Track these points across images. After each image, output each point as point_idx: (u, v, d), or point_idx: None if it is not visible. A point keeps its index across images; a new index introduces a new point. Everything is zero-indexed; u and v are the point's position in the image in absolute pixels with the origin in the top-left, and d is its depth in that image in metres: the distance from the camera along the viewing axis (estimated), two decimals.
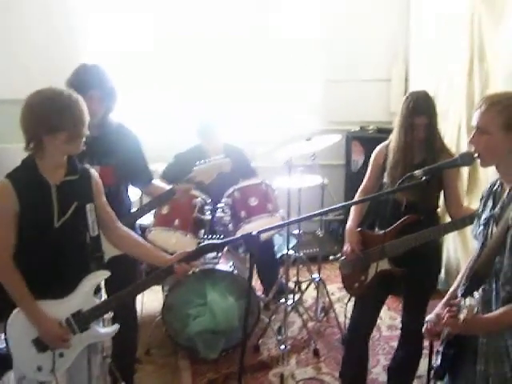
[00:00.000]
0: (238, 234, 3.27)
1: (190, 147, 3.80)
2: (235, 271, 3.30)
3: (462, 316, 1.73)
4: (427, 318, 1.96)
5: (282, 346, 3.37)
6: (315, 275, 3.87)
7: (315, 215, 1.97)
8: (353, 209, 2.83)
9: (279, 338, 3.49)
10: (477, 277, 1.82)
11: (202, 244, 2.10)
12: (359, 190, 2.84)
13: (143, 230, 3.29)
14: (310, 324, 3.76)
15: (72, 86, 2.23)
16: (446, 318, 1.76)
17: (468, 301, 1.78)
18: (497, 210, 1.82)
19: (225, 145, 3.76)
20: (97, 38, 4.68)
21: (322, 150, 3.59)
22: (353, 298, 2.86)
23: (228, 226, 3.37)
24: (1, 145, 4.27)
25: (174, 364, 3.36)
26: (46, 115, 1.94)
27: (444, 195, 2.67)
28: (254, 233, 1.78)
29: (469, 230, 2.20)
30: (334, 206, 2.07)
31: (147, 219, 3.34)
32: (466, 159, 1.91)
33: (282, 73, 5.05)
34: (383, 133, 4.20)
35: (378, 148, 2.79)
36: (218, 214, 3.36)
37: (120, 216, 2.32)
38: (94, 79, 2.50)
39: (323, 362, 3.35)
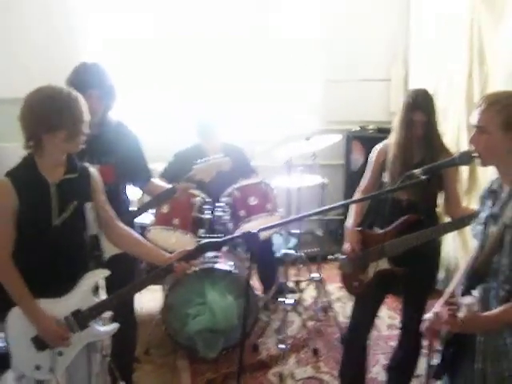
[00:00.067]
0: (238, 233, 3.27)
1: (190, 146, 3.81)
2: (234, 270, 3.30)
3: (461, 315, 1.73)
4: (426, 317, 1.96)
5: (282, 346, 3.37)
6: (315, 275, 3.87)
7: (315, 214, 1.97)
8: (352, 208, 2.82)
9: (278, 337, 3.49)
10: (476, 276, 1.83)
11: (202, 242, 2.09)
12: (358, 190, 2.84)
13: (143, 229, 3.30)
14: (310, 323, 3.76)
15: (71, 85, 2.23)
16: (445, 317, 1.76)
17: (467, 299, 1.79)
18: (496, 209, 1.82)
19: (224, 144, 3.77)
20: (97, 38, 4.68)
21: (322, 149, 3.59)
22: (352, 298, 2.87)
23: (227, 225, 3.37)
24: (1, 144, 4.27)
25: (172, 364, 3.36)
26: (46, 113, 1.94)
27: (443, 195, 2.67)
28: (254, 231, 1.78)
29: (468, 229, 2.20)
30: (334, 205, 2.07)
31: (147, 218, 3.35)
32: (465, 158, 1.91)
33: (282, 73, 5.05)
34: (383, 132, 4.20)
35: (377, 147, 2.78)
36: (218, 213, 3.36)
37: (119, 214, 2.32)
38: (93, 78, 2.50)
39: (322, 362, 3.35)
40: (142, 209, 2.78)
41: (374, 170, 2.77)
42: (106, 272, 2.19)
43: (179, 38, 4.85)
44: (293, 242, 4.06)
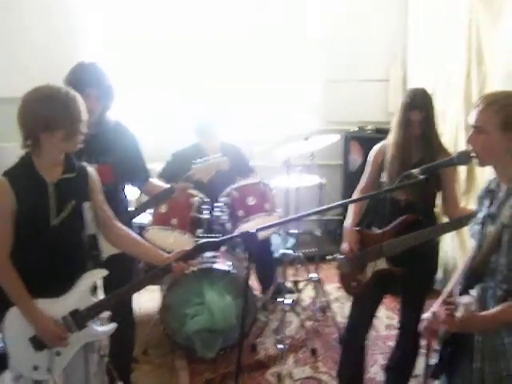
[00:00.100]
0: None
1: (188, 145, 3.81)
2: (233, 270, 3.30)
3: (458, 314, 1.73)
4: (424, 317, 1.96)
5: (280, 346, 3.37)
6: (313, 275, 3.87)
7: (313, 213, 1.97)
8: (351, 208, 2.82)
9: (277, 337, 3.49)
10: (474, 275, 1.83)
11: (200, 242, 2.09)
12: (357, 190, 2.84)
13: (141, 229, 3.30)
14: (308, 323, 3.76)
15: (70, 84, 2.23)
16: (443, 317, 1.77)
17: (465, 299, 1.79)
18: (493, 209, 1.83)
19: (222, 143, 3.77)
20: (97, 38, 4.68)
21: (321, 149, 3.59)
22: (350, 298, 2.87)
23: (226, 225, 3.37)
24: (1, 144, 4.26)
25: (171, 364, 3.36)
26: (44, 113, 1.94)
27: (441, 195, 2.67)
28: (252, 231, 1.78)
29: (466, 229, 2.20)
30: (332, 205, 2.07)
31: (145, 218, 3.35)
32: (463, 158, 1.91)
33: (282, 73, 5.06)
34: (381, 133, 4.21)
35: (376, 147, 2.78)
36: (216, 213, 3.36)
37: (118, 214, 2.32)
38: (91, 77, 2.50)
39: (321, 362, 3.35)
40: (140, 209, 2.77)
41: (372, 170, 2.77)
42: (104, 272, 2.18)
43: (179, 38, 4.85)
44: (291, 242, 4.06)
